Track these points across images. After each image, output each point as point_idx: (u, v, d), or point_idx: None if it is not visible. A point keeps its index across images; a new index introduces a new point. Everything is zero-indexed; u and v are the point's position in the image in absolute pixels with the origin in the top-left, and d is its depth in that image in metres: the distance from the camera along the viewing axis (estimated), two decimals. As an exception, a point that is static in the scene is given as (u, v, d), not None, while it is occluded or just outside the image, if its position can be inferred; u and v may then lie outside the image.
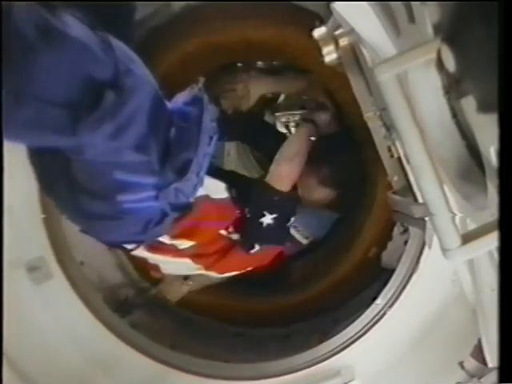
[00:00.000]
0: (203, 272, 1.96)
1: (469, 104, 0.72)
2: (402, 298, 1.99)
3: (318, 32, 1.49)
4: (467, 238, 0.76)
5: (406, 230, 2.11)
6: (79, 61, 1.17)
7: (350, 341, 2.03)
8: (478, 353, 1.80)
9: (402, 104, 0.72)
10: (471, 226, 1.10)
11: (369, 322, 2.03)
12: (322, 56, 1.50)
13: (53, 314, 1.99)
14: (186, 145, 1.49)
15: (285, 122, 3.51)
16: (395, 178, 1.78)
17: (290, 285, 2.56)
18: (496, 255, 1.10)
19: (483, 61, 0.56)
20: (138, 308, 2.30)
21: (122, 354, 2.06)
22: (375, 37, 1.14)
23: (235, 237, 1.94)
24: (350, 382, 1.96)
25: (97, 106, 1.19)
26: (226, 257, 1.93)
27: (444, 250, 0.77)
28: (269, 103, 3.34)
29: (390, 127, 1.55)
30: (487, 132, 0.76)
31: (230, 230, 1.92)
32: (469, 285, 1.60)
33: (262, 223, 1.90)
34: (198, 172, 1.55)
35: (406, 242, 2.05)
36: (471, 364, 1.87)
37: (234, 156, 3.56)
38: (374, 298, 2.04)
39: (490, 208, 0.91)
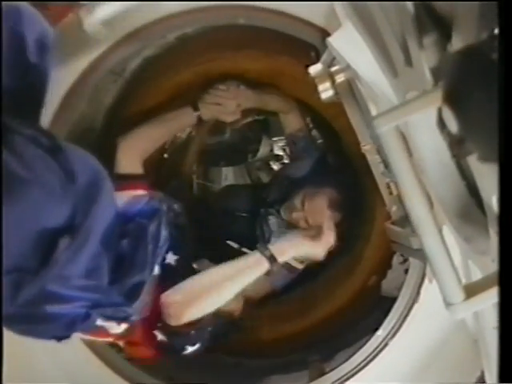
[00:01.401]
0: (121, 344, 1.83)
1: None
2: (403, 328, 1.97)
3: (314, 69, 1.48)
4: (471, 291, 0.74)
5: (406, 260, 2.10)
6: (35, 214, 1.02)
7: (351, 373, 2.00)
8: (482, 385, 1.78)
9: (402, 157, 0.71)
10: (473, 266, 1.08)
11: (370, 354, 2.00)
12: (318, 93, 1.49)
13: (46, 349, 1.96)
14: (141, 265, 1.35)
15: (282, 146, 3.52)
16: (394, 209, 1.76)
17: (288, 314, 2.54)
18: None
19: (484, 122, 0.54)
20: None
21: (118, 388, 2.03)
22: (372, 75, 1.12)
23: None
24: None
25: (46, 262, 1.05)
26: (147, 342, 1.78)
27: (447, 305, 0.76)
28: (264, 128, 3.35)
29: (388, 165, 1.54)
30: (489, 180, 0.75)
31: None
32: (470, 317, 1.58)
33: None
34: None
35: (406, 271, 2.03)
36: (474, 396, 1.85)
37: (231, 180, 3.57)
38: (376, 328, 2.02)
39: (491, 253, 0.90)
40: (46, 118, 1.84)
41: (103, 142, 2.20)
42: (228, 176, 3.52)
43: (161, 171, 2.74)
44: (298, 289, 2.62)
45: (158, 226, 1.41)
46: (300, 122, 2.68)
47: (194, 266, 1.94)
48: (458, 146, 0.61)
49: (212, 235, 2.98)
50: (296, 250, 1.91)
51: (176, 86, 2.26)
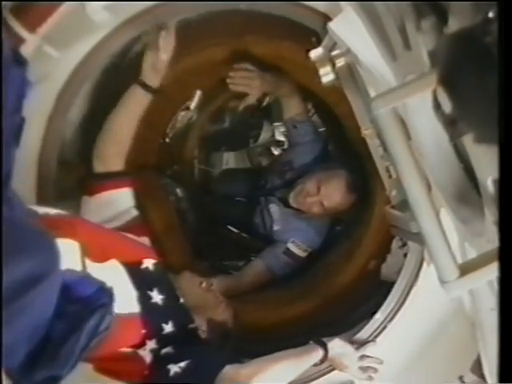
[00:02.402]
0: None
1: (466, 135, 0.73)
2: (401, 311, 1.99)
3: (315, 53, 1.49)
4: (465, 269, 0.76)
5: (404, 244, 2.11)
6: None
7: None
8: (478, 367, 1.80)
9: (400, 139, 0.73)
10: (469, 249, 1.10)
11: (369, 337, 2.03)
12: (319, 77, 1.50)
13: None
14: (64, 360, 1.22)
15: (283, 131, 3.53)
16: (393, 193, 1.78)
17: (288, 298, 2.56)
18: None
19: (478, 105, 0.56)
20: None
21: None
22: (371, 59, 1.14)
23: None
24: (349, 398, 1.97)
25: None
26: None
27: (442, 282, 0.77)
28: (265, 113, 3.36)
29: (386, 148, 1.54)
30: (485, 162, 0.76)
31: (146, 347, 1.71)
32: (468, 300, 1.60)
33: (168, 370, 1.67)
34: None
35: (405, 255, 2.05)
36: (471, 379, 1.87)
37: (232, 165, 3.58)
38: (374, 312, 2.04)
39: (487, 234, 0.91)
40: (49, 102, 1.86)
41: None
42: (229, 161, 3.53)
43: (162, 156, 2.75)
44: (299, 273, 2.65)
45: (99, 320, 1.32)
46: (301, 106, 2.70)
47: (181, 301, 1.88)
48: (451, 127, 0.63)
49: (213, 219, 3.01)
50: (345, 349, 1.95)
51: (177, 71, 2.26)
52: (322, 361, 1.90)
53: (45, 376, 1.19)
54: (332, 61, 1.44)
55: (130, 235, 1.89)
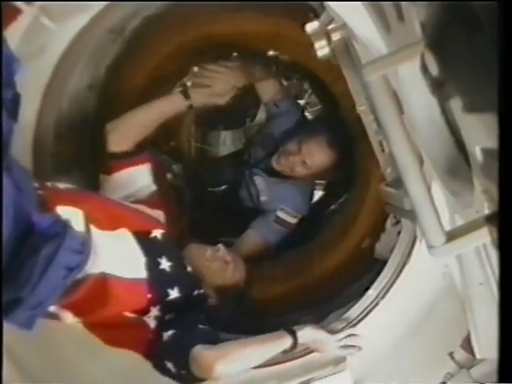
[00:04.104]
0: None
1: (455, 104, 0.73)
2: (394, 288, 2.01)
3: (311, 27, 1.49)
4: (452, 235, 0.77)
5: (398, 222, 2.13)
6: None
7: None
8: (468, 344, 1.83)
9: (389, 105, 0.74)
10: (459, 221, 1.11)
11: (361, 313, 2.05)
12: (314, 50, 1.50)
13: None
14: (22, 283, 1.32)
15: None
16: (388, 171, 1.79)
17: (283, 275, 2.58)
18: (483, 251, 1.12)
19: (465, 68, 0.57)
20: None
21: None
22: (366, 32, 1.14)
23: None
24: (341, 371, 1.99)
25: None
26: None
27: (429, 247, 0.79)
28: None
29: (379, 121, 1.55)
30: (473, 131, 0.77)
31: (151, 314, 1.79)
32: (459, 278, 1.62)
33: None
34: (35, 306, 1.38)
35: (399, 233, 2.06)
36: (461, 355, 1.90)
37: (229, 144, 3.59)
38: (367, 289, 2.06)
39: (476, 204, 0.93)
40: (45, 74, 1.86)
41: (103, 99, 2.22)
42: (226, 140, 3.53)
43: (159, 132, 2.75)
44: (293, 250, 2.67)
45: (54, 249, 1.38)
46: (277, 85, 2.75)
47: (189, 269, 1.93)
48: (438, 90, 0.63)
49: (206, 199, 3.03)
50: (315, 335, 1.97)
51: (176, 46, 2.26)
52: (292, 348, 1.91)
53: (7, 298, 1.28)
54: (328, 34, 1.44)
55: (142, 207, 1.96)
